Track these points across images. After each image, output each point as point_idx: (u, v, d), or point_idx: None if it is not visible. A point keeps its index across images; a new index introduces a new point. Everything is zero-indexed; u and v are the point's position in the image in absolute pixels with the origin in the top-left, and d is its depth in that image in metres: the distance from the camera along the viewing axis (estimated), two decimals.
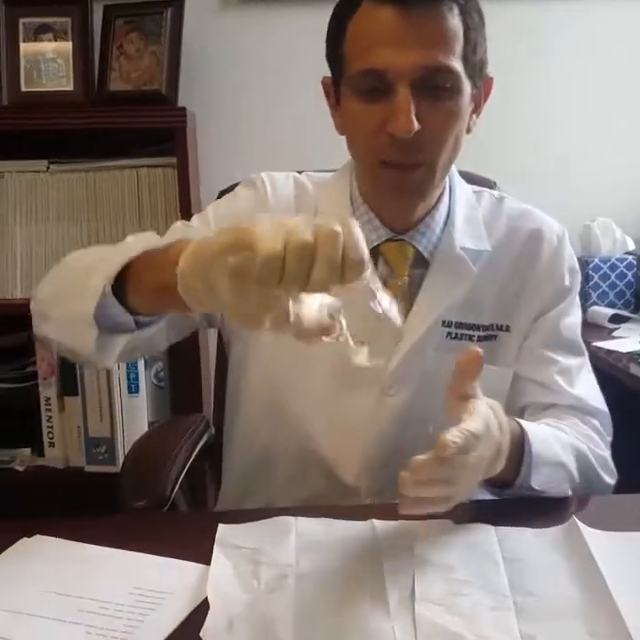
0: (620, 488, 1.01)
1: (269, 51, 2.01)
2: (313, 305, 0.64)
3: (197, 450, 1.21)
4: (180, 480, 1.09)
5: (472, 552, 0.79)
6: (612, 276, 1.99)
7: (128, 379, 1.80)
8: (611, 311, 1.93)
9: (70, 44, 1.89)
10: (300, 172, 1.11)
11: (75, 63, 1.88)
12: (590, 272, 1.97)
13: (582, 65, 2.05)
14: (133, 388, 1.81)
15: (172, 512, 1.03)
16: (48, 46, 1.89)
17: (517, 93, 1.97)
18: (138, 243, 0.82)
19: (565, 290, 1.07)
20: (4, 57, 1.87)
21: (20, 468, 1.88)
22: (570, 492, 0.94)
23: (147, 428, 1.78)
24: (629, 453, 1.08)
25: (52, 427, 1.86)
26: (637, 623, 0.67)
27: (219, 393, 1.27)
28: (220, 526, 0.84)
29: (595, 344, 1.69)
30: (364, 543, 0.81)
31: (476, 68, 0.95)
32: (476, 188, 1.11)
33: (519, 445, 0.88)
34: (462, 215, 1.05)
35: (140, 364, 1.81)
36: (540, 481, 0.90)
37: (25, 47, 1.88)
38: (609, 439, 1.04)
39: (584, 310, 1.11)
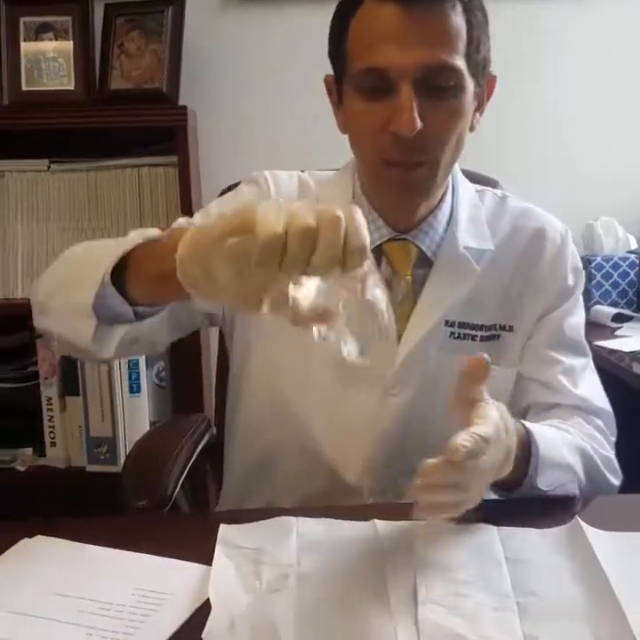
0: (622, 488, 1.01)
1: (270, 49, 2.01)
2: (312, 291, 0.64)
3: (199, 449, 1.21)
4: (182, 480, 1.09)
5: (474, 552, 0.79)
6: (615, 274, 1.98)
7: (129, 378, 1.80)
8: (613, 310, 1.92)
9: (71, 43, 1.88)
10: (301, 171, 1.11)
11: (75, 62, 1.88)
12: (593, 271, 1.96)
13: (586, 63, 2.04)
14: (135, 388, 1.81)
15: (173, 512, 1.03)
16: (49, 45, 1.88)
17: (520, 92, 1.97)
18: (139, 236, 0.82)
19: (569, 289, 1.07)
20: (5, 56, 1.87)
21: (22, 468, 1.88)
22: (577, 492, 0.94)
23: (148, 428, 1.78)
24: (632, 453, 1.07)
25: (53, 426, 1.86)
26: None
27: (220, 392, 1.27)
28: (222, 526, 0.84)
29: (597, 343, 1.68)
30: (366, 543, 0.81)
31: (480, 66, 0.94)
32: (478, 187, 1.11)
33: (526, 447, 0.88)
34: (465, 214, 1.05)
35: (142, 364, 1.81)
36: (547, 482, 0.90)
37: (26, 46, 1.88)
38: (613, 439, 1.04)
39: (586, 309, 1.11)
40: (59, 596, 0.73)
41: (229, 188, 1.16)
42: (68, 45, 1.88)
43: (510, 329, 1.05)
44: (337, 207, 0.62)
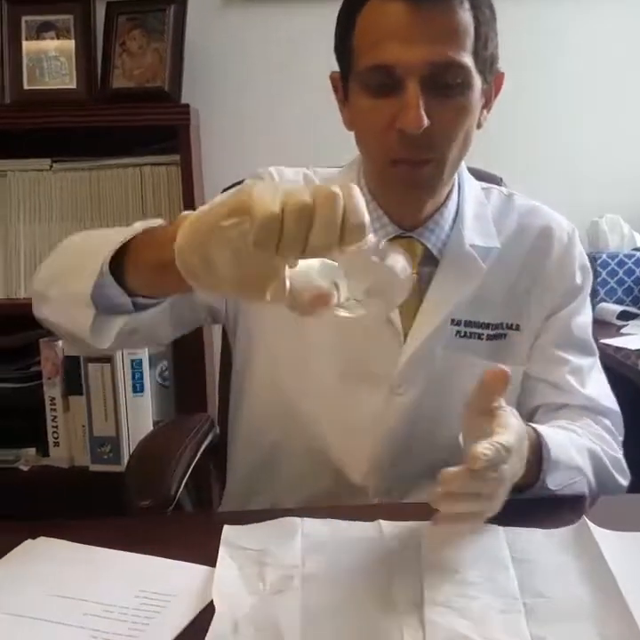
0: (630, 487, 1.00)
1: (273, 47, 2.01)
2: (310, 272, 0.63)
3: (202, 449, 1.21)
4: (185, 479, 1.09)
5: (481, 553, 0.78)
6: (620, 272, 1.97)
7: (133, 378, 1.80)
8: (619, 308, 1.92)
9: (73, 41, 1.89)
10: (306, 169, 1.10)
11: (77, 61, 1.88)
12: (598, 268, 1.95)
13: (593, 62, 2.04)
14: (138, 388, 1.80)
15: (176, 514, 1.03)
16: (50, 44, 1.89)
17: (528, 89, 1.97)
18: (140, 226, 0.81)
19: (577, 288, 1.06)
20: (7, 55, 1.87)
21: (25, 468, 1.88)
22: (586, 491, 0.93)
23: (151, 428, 1.78)
24: (639, 452, 1.07)
25: (56, 426, 1.86)
26: None
27: (223, 392, 1.27)
28: (226, 528, 0.83)
29: (603, 341, 1.67)
30: (371, 544, 0.81)
31: (487, 63, 0.94)
32: (484, 184, 1.10)
33: (537, 451, 0.87)
34: (471, 212, 1.04)
35: (145, 364, 1.81)
36: (556, 483, 0.89)
37: (27, 45, 1.88)
38: (621, 439, 1.04)
39: (592, 307, 1.10)
40: (62, 598, 0.73)
41: (231, 187, 1.15)
42: (70, 44, 1.88)
43: (517, 328, 1.04)
44: (334, 185, 0.61)
